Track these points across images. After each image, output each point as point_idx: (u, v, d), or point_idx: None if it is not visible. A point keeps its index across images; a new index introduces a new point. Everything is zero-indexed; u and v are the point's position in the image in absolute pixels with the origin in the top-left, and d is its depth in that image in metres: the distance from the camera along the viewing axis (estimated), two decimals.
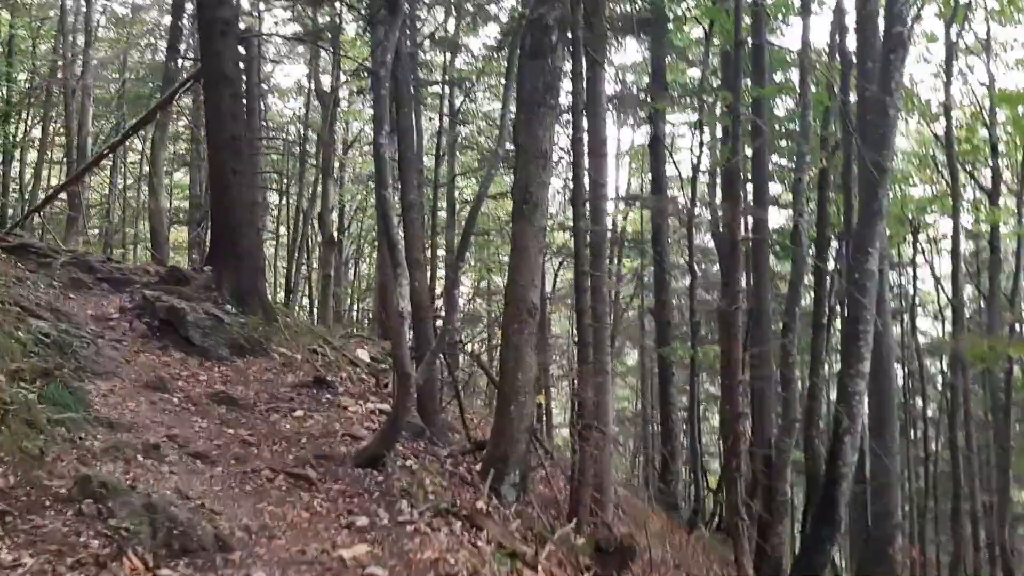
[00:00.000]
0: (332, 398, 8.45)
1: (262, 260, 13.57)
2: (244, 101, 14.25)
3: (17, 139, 25.25)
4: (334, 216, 23.71)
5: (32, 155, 24.51)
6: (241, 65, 14.60)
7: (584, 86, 9.61)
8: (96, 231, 22.78)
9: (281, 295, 21.98)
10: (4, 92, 26.10)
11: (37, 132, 24.06)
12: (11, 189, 24.93)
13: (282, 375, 9.04)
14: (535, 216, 7.80)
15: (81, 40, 20.85)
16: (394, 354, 6.84)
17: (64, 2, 20.98)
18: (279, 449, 6.92)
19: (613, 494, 9.19)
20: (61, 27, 21.54)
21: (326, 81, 21.57)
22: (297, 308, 22.17)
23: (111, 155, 16.90)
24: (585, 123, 9.82)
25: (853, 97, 11.66)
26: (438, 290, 15.05)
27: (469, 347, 17.75)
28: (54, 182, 23.32)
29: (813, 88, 12.43)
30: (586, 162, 9.08)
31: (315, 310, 22.63)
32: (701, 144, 15.12)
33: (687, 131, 22.90)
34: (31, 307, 8.36)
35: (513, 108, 8.64)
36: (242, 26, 13.31)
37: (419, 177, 10.37)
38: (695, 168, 16.46)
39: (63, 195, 19.65)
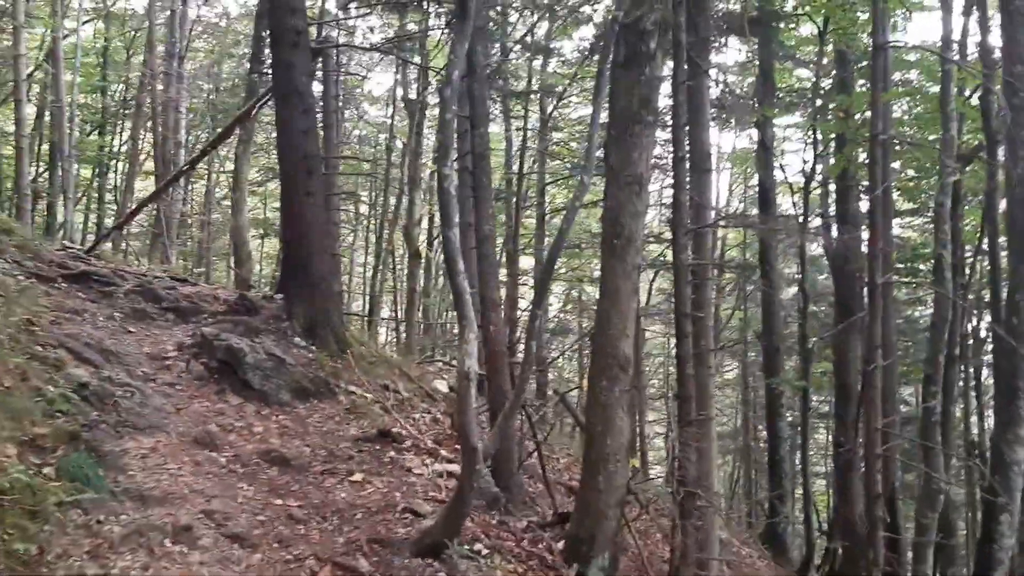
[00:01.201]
0: (396, 456, 7.50)
1: (337, 286, 12.83)
2: (323, 116, 13.60)
3: (113, 151, 25.59)
4: (421, 229, 23.10)
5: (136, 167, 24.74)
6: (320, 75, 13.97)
7: (685, 97, 8.45)
8: (186, 246, 22.63)
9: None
10: (100, 103, 26.62)
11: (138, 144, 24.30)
12: (106, 201, 25.25)
13: (345, 424, 8.16)
14: (627, 253, 6.67)
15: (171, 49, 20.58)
16: (458, 423, 5.83)
17: (152, 13, 20.79)
18: (330, 528, 6.01)
19: (719, 569, 7.98)
20: (150, 37, 21.49)
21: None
22: (382, 326, 21.51)
23: (192, 170, 16.51)
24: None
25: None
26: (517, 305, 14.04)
27: (551, 375, 16.69)
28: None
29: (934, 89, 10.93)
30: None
31: (399, 328, 21.96)
32: (815, 156, 13.64)
33: (794, 133, 21.33)
34: (77, 349, 7.71)
35: (603, 121, 7.54)
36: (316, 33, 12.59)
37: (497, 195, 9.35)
38: (808, 177, 14.99)
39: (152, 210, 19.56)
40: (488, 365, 7.65)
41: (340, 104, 15.20)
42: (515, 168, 18.53)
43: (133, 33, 26.03)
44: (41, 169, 24.99)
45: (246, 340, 8.74)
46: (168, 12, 22.80)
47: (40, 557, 4.48)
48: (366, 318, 20.12)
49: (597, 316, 6.93)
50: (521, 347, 10.22)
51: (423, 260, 21.61)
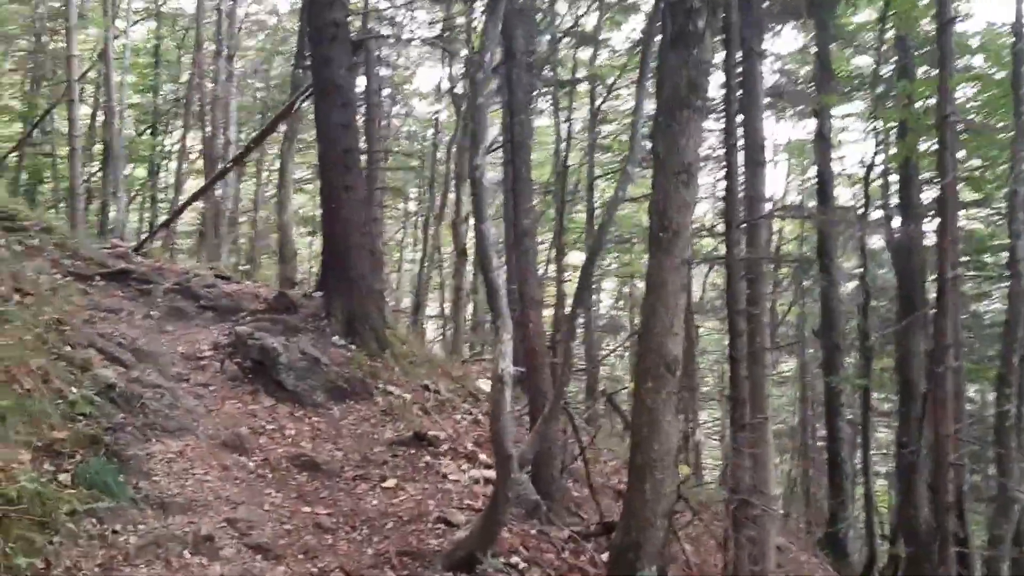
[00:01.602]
0: (432, 461, 7.17)
1: (379, 284, 12.58)
2: (365, 110, 13.37)
3: (165, 150, 25.79)
4: (468, 225, 22.81)
5: (184, 165, 24.88)
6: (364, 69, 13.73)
7: (738, 81, 7.97)
8: (236, 244, 22.65)
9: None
10: (153, 103, 26.87)
11: (188, 142, 24.43)
12: (158, 200, 25.46)
13: (380, 426, 7.86)
14: (675, 247, 6.21)
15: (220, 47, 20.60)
16: (491, 429, 5.46)
17: (200, 12, 20.84)
18: (359, 538, 5.70)
19: None
20: (198, 36, 21.54)
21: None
22: (428, 324, 21.25)
23: (238, 167, 16.42)
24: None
25: None
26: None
27: (602, 373, 16.23)
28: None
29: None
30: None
31: (446, 327, 21.71)
32: (876, 145, 12.96)
33: (853, 122, 20.50)
34: (109, 349, 7.54)
35: (649, 109, 7.11)
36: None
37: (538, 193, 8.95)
38: (868, 167, 14.28)
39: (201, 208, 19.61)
40: (527, 365, 7.27)
41: (384, 98, 14.95)
42: (565, 162, 18.08)
43: (184, 32, 26.22)
44: (95, 169, 25.30)
45: (281, 339, 8.51)
46: (217, 11, 22.95)
47: (46, 571, 4.25)
48: (412, 316, 19.87)
49: (643, 313, 6.50)
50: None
51: (470, 257, 21.28)
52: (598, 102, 19.20)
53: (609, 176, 21.23)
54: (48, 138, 25.83)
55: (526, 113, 7.64)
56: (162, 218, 23.43)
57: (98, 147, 24.69)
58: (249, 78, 25.87)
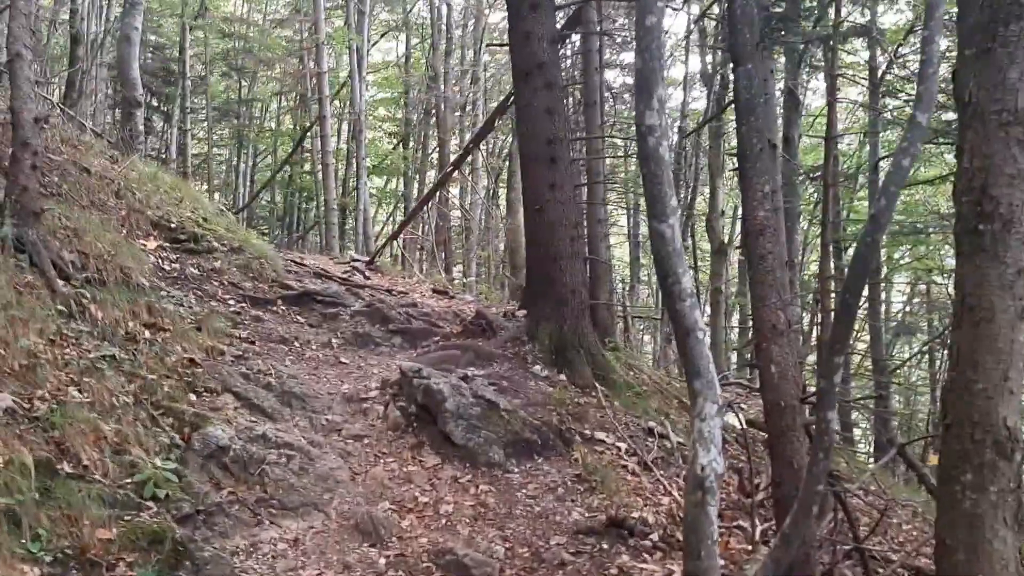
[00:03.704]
0: (630, 564, 5.06)
1: (604, 296, 10.62)
2: (583, 92, 11.48)
3: (411, 161, 25.63)
4: (726, 220, 20.19)
5: (430, 175, 24.58)
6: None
7: None
8: (472, 253, 21.75)
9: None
10: (402, 115, 26.92)
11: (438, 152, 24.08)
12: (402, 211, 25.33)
13: (570, 500, 5.88)
14: (1004, 246, 3.67)
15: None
16: (686, 568, 3.30)
17: (435, 19, 20.13)
18: None
19: None
20: (434, 40, 20.92)
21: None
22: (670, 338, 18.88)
23: (455, 171, 15.24)
24: None
25: None
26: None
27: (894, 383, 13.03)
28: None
29: None
30: None
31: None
32: None
33: None
34: (249, 393, 6.26)
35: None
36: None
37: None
38: None
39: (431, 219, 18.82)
40: (769, 426, 4.98)
41: (604, 77, 12.97)
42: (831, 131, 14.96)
43: (430, 42, 25.93)
44: (351, 185, 25.65)
45: (452, 377, 6.82)
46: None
47: None
48: (664, 334, 17.66)
49: (951, 355, 3.98)
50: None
51: (727, 255, 18.70)
52: (880, 71, 15.88)
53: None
54: (308, 156, 26.78)
55: (756, 60, 5.31)
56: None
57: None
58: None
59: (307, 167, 26.73)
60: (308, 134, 24.63)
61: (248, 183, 27.96)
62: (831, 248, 12.88)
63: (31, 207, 5.87)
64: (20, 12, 5.85)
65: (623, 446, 7.20)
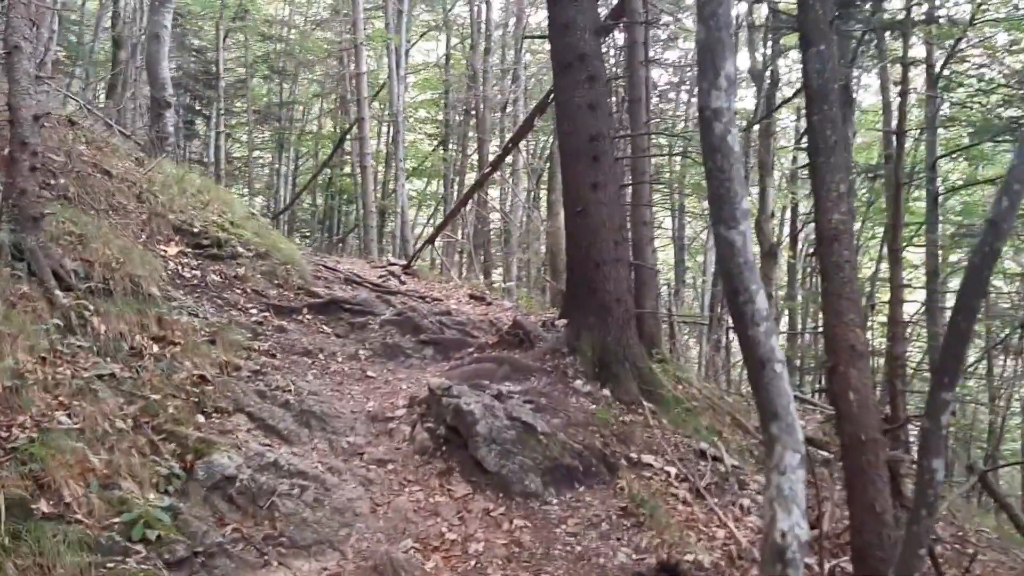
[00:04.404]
0: None
1: (651, 304, 9.94)
2: (628, 88, 10.82)
3: (451, 162, 25.13)
4: (775, 222, 19.35)
5: (469, 176, 24.04)
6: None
7: None
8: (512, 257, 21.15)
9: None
10: (442, 116, 26.41)
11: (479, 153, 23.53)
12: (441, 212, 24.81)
13: (615, 537, 5.25)
14: None
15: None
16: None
17: (475, 18, 19.61)
18: None
19: None
20: (473, 39, 20.39)
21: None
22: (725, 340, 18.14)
23: (494, 172, 14.66)
24: None
25: None
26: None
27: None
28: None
29: None
30: None
31: None
32: None
33: None
34: (264, 413, 5.75)
35: None
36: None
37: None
38: None
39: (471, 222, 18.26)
40: (846, 462, 4.31)
41: (650, 66, 12.28)
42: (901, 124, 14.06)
43: (470, 41, 25.44)
44: (390, 187, 25.24)
45: (485, 396, 6.23)
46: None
47: None
48: (703, 324, 16.90)
49: None
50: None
51: (777, 258, 17.84)
52: (938, 66, 14.94)
53: (956, 154, 16.68)
54: (348, 158, 26.42)
55: (828, 44, 4.64)
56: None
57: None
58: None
59: (347, 169, 26.39)
60: (347, 136, 24.27)
61: (289, 186, 27.74)
62: (899, 254, 12.02)
63: (30, 211, 5.42)
64: (19, 1, 5.41)
65: (673, 471, 6.56)
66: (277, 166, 28.29)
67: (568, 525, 5.30)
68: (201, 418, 5.35)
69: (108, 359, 5.25)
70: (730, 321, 14.94)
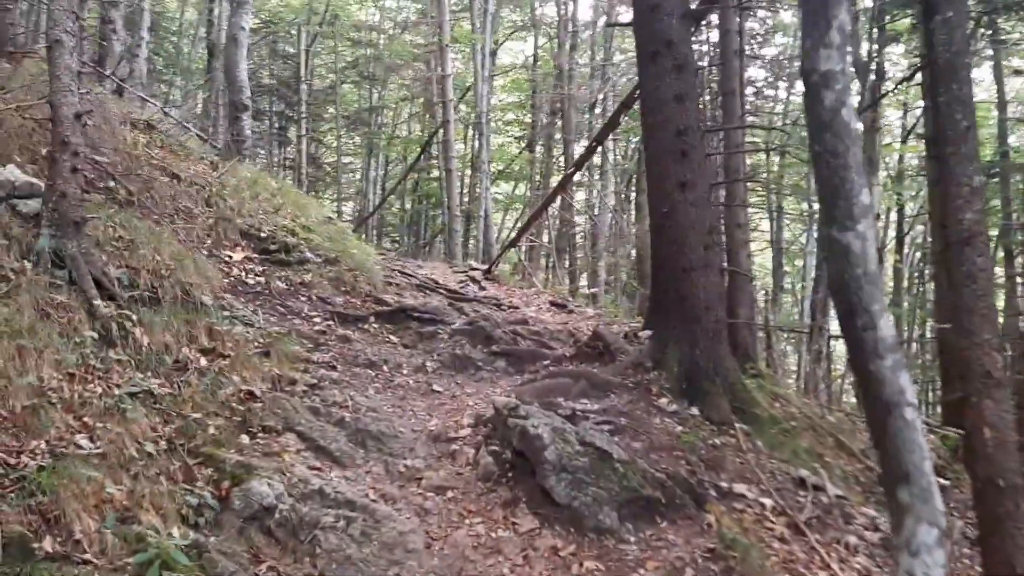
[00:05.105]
0: None
1: (747, 313, 9.17)
2: (719, 80, 10.08)
3: (537, 164, 24.58)
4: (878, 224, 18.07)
5: (555, 178, 23.45)
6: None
7: None
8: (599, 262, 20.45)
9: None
10: (529, 118, 25.91)
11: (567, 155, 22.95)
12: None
13: None
14: None
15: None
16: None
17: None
18: None
19: None
20: (560, 37, 19.80)
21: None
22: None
23: (578, 171, 14.04)
24: None
25: None
26: None
27: None
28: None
29: None
30: None
31: None
32: None
33: None
34: (315, 433, 5.31)
35: None
36: None
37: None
38: None
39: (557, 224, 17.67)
40: (980, 510, 3.55)
41: (745, 61, 11.46)
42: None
43: (556, 39, 24.85)
44: (476, 191, 24.86)
45: (555, 418, 5.63)
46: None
47: None
48: (803, 332, 15.84)
49: None
50: None
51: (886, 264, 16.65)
52: None
53: None
54: (435, 162, 26.21)
55: (958, 9, 3.88)
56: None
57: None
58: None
59: (434, 173, 26.19)
60: (433, 140, 24.04)
61: (378, 191, 27.74)
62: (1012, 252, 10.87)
63: (71, 216, 5.12)
64: None
65: (768, 502, 5.83)
66: (367, 171, 28.34)
67: (646, 569, 4.66)
68: (245, 439, 4.94)
69: (148, 374, 4.89)
70: (833, 328, 13.83)
